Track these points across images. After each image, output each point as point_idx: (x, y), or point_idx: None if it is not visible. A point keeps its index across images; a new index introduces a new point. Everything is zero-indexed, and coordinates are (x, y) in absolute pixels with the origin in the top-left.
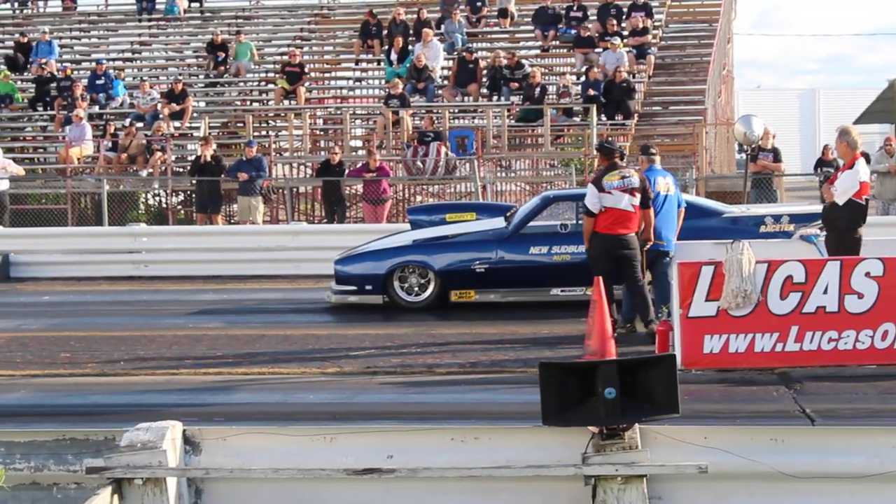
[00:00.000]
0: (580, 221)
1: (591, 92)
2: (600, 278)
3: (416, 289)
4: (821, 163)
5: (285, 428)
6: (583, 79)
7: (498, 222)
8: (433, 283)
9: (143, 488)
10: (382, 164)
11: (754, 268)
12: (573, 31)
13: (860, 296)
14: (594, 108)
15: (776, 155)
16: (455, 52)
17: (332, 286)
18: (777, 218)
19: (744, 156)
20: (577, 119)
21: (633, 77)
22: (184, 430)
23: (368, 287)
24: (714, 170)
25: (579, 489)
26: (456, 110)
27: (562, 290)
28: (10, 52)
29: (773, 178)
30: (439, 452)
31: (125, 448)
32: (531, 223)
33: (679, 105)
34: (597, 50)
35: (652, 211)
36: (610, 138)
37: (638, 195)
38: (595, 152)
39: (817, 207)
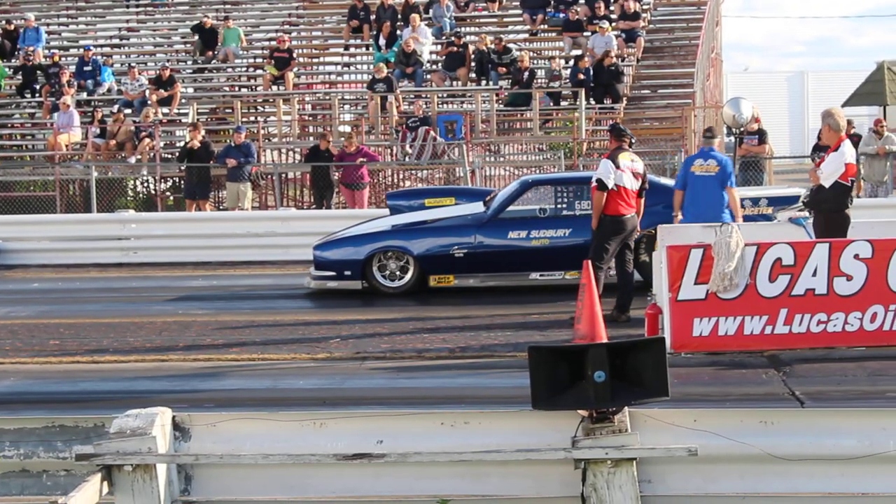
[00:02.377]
0: (559, 206)
1: (580, 76)
2: (589, 262)
3: (396, 274)
4: (817, 147)
5: (275, 413)
6: (571, 63)
7: (477, 207)
8: (412, 269)
9: (132, 475)
10: (363, 148)
11: (743, 251)
12: (562, 15)
13: (849, 278)
14: (583, 92)
15: (761, 137)
16: (443, 37)
17: (312, 272)
18: (756, 201)
19: (732, 139)
20: (565, 103)
21: (622, 61)
22: (173, 417)
23: (347, 272)
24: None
25: (569, 473)
26: (444, 95)
27: (540, 275)
28: None
29: (761, 161)
30: (429, 437)
31: (115, 435)
32: (510, 208)
33: (668, 88)
34: (585, 33)
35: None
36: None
37: (640, 180)
38: (608, 134)
39: (796, 190)
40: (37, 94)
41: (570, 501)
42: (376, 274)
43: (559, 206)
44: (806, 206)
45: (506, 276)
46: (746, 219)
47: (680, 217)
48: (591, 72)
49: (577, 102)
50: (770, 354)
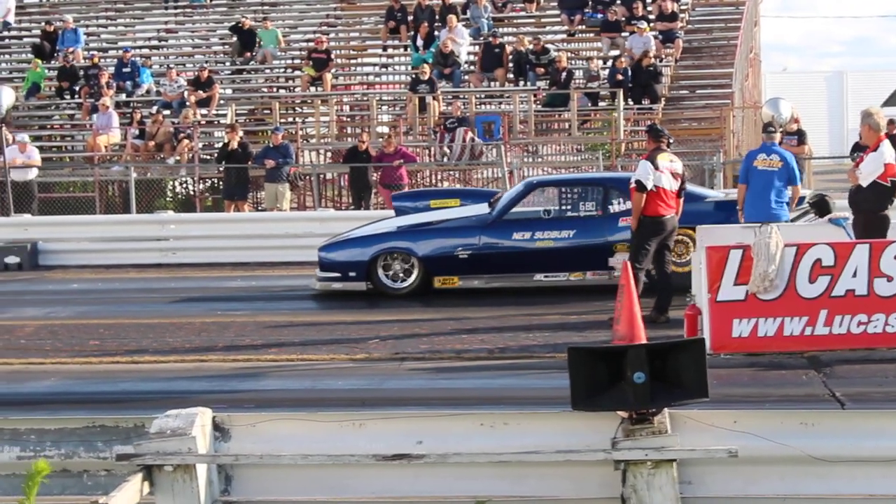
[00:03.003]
0: (563, 207)
1: (618, 77)
2: (629, 262)
3: (400, 275)
4: (856, 147)
5: (315, 414)
6: (609, 63)
7: (482, 208)
8: (417, 270)
9: (173, 475)
10: (401, 148)
11: (782, 251)
12: (600, 16)
13: (889, 279)
14: (621, 93)
15: (801, 137)
16: (481, 38)
17: (317, 273)
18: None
19: None
20: (603, 104)
21: (660, 61)
22: (213, 417)
23: (352, 274)
24: (741, 153)
25: (609, 474)
26: (482, 96)
27: (545, 276)
28: (37, 40)
29: (800, 161)
30: (469, 438)
31: (155, 435)
32: (514, 209)
33: (706, 89)
34: (623, 34)
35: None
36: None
37: (679, 181)
38: (646, 135)
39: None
40: (76, 96)
41: (610, 502)
42: (381, 275)
43: (563, 207)
44: (812, 206)
45: (510, 277)
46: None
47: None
48: (629, 72)
49: (615, 103)
50: (810, 355)
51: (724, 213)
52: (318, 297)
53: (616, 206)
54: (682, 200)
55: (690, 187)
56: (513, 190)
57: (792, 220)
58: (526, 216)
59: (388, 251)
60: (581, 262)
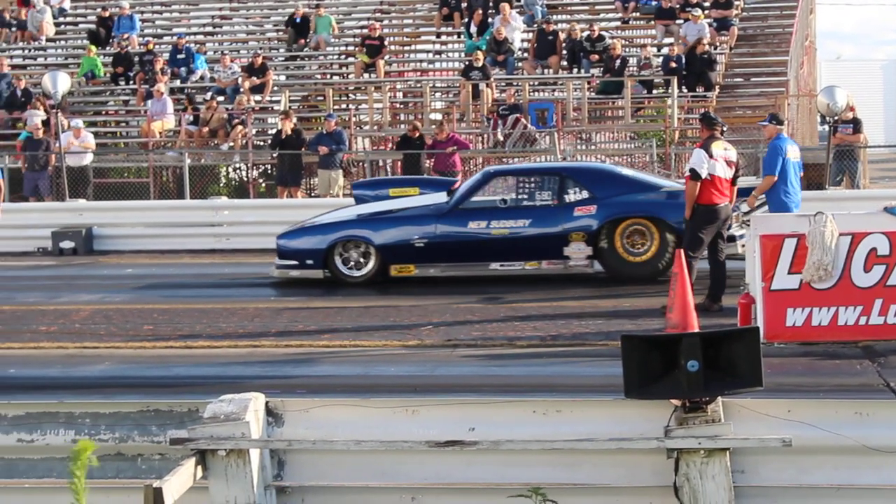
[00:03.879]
0: (520, 196)
1: (672, 64)
2: (682, 251)
3: (358, 263)
4: None
5: (368, 400)
6: (664, 50)
7: (441, 197)
8: (374, 258)
9: (226, 459)
10: (454, 135)
11: (837, 240)
12: (654, 3)
13: None
14: (675, 81)
15: (856, 126)
16: (535, 25)
17: (276, 261)
18: None
19: (826, 128)
20: (657, 91)
21: (715, 48)
22: (266, 402)
23: (310, 261)
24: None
25: (662, 462)
26: (536, 83)
27: (501, 265)
28: (93, 26)
29: (855, 150)
30: (521, 425)
31: (208, 419)
32: (471, 198)
33: (761, 77)
34: (678, 21)
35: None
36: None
37: (733, 169)
38: (699, 123)
39: (753, 182)
40: (131, 82)
41: (663, 491)
42: (338, 263)
43: (520, 196)
44: None
45: (466, 265)
46: None
47: (763, 201)
48: (683, 60)
49: (669, 90)
50: (864, 345)
51: (681, 201)
52: (371, 283)
53: (572, 196)
54: (736, 189)
55: (643, 176)
56: (471, 179)
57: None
58: (482, 205)
59: (346, 239)
60: (536, 251)
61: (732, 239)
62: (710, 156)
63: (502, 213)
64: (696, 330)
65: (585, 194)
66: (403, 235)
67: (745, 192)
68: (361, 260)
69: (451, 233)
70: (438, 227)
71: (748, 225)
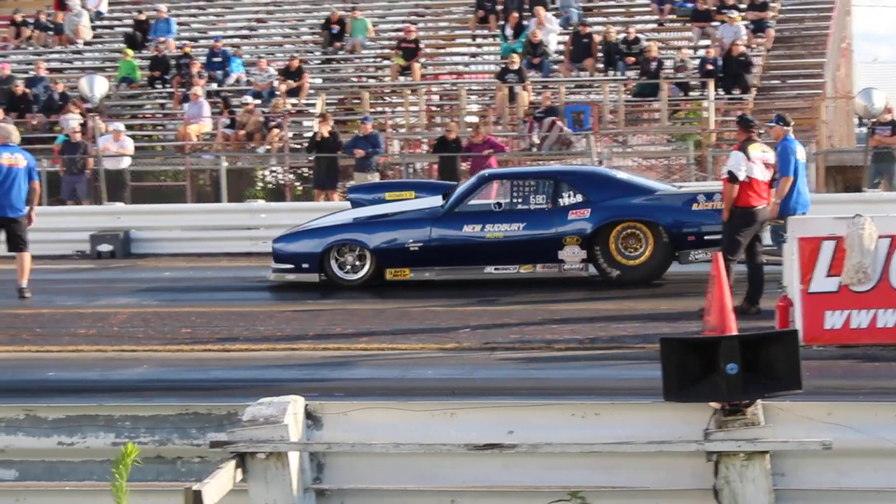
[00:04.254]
0: (514, 200)
1: (709, 66)
2: (720, 254)
3: (353, 267)
4: None
5: (406, 403)
6: (700, 52)
7: (436, 201)
8: (369, 262)
9: (265, 462)
10: (490, 138)
11: (876, 243)
12: (690, 5)
13: None
14: (711, 83)
15: (894, 128)
16: (570, 27)
17: (272, 265)
18: (709, 196)
19: (864, 130)
20: (694, 94)
21: (751, 50)
22: (305, 405)
23: (305, 265)
24: (833, 144)
25: (701, 465)
26: (572, 85)
27: (495, 269)
28: (130, 30)
29: (894, 152)
30: (560, 428)
31: (248, 422)
32: (466, 202)
33: (798, 79)
34: (714, 23)
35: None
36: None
37: (771, 171)
38: (736, 125)
39: None
40: (167, 85)
41: (702, 494)
42: (334, 267)
43: (514, 200)
44: None
45: (461, 269)
46: (700, 214)
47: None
48: (720, 62)
49: (706, 93)
50: None
51: (675, 205)
52: (409, 286)
53: (566, 200)
54: (773, 191)
55: (637, 179)
56: (466, 183)
57: None
58: (477, 209)
59: (341, 243)
60: (531, 254)
61: None
62: (748, 158)
63: (497, 217)
64: (735, 333)
65: (580, 198)
66: (398, 239)
67: None
68: (357, 263)
69: (446, 236)
70: (433, 231)
71: None
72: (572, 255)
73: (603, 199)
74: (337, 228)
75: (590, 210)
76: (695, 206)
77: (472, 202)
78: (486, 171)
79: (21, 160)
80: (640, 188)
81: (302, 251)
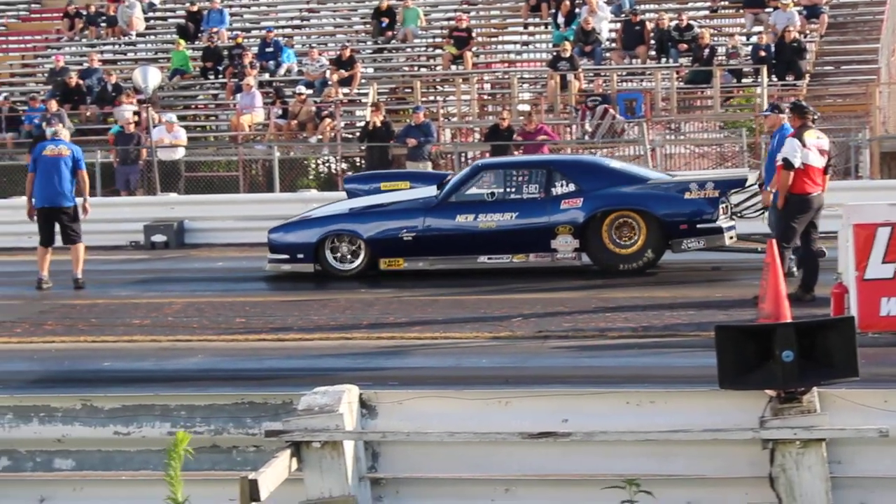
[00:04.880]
0: (507, 190)
1: (762, 53)
2: (773, 241)
3: (348, 257)
4: None
5: (461, 392)
6: (752, 39)
7: (430, 191)
8: (363, 252)
9: (320, 451)
10: (542, 126)
11: None
12: None
13: None
14: (764, 69)
15: None
16: (622, 14)
17: (268, 255)
18: (702, 185)
19: None
20: (746, 80)
21: (805, 37)
22: (360, 394)
23: (300, 255)
24: (888, 130)
25: (757, 453)
26: (624, 73)
27: (489, 258)
28: (182, 21)
29: None
30: (615, 416)
31: (303, 411)
32: (459, 192)
33: (851, 64)
34: (767, 10)
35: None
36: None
37: (826, 157)
38: (789, 112)
39: (742, 173)
40: (220, 76)
41: (758, 482)
42: (328, 257)
43: (508, 190)
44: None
45: (454, 259)
46: (693, 203)
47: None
48: (773, 48)
49: (759, 79)
50: None
51: (668, 194)
52: (460, 274)
53: (559, 189)
54: (828, 177)
55: (630, 168)
56: (460, 173)
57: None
58: (470, 199)
59: (335, 233)
60: (524, 244)
61: (720, 231)
62: (804, 145)
63: (490, 207)
64: (790, 320)
65: (572, 187)
66: (392, 229)
67: (729, 185)
68: (352, 253)
69: (439, 226)
70: (426, 221)
71: (738, 217)
72: (565, 245)
73: (595, 189)
74: (332, 219)
75: (582, 199)
76: (687, 195)
77: (466, 192)
78: (479, 161)
79: (64, 150)
80: (632, 177)
81: (297, 241)
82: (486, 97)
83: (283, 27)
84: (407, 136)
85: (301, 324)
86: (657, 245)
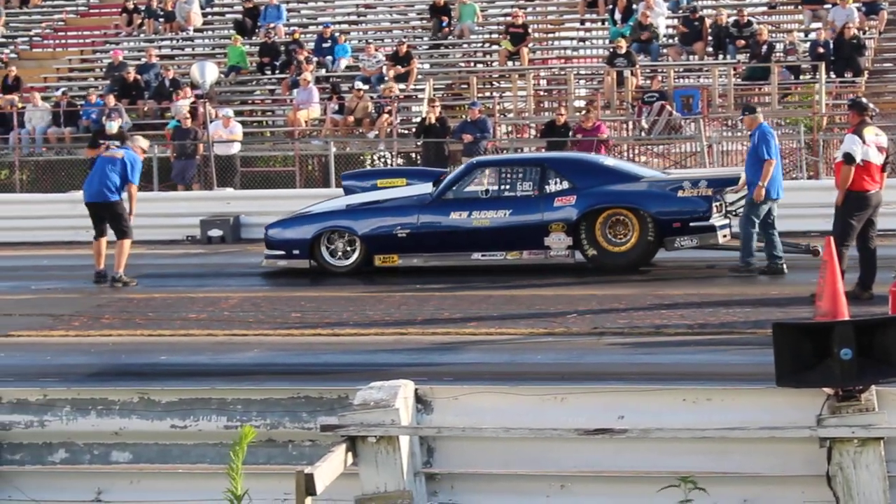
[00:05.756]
0: (502, 187)
1: (820, 49)
2: (832, 238)
3: (343, 253)
4: None
5: (516, 387)
6: (811, 35)
7: (426, 188)
8: (358, 248)
9: (376, 446)
10: (599, 123)
11: None
12: None
13: None
14: (822, 66)
15: None
16: (680, 10)
17: (265, 251)
18: (695, 183)
19: None
20: (804, 77)
21: (864, 33)
22: (415, 389)
23: (296, 251)
24: None
25: (814, 451)
26: (681, 69)
27: (482, 255)
28: (240, 16)
29: None
30: (671, 413)
31: (358, 406)
32: (454, 189)
33: None
34: (825, 6)
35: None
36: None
37: (884, 155)
38: (848, 109)
39: (735, 171)
40: (277, 71)
41: (815, 480)
42: (324, 253)
43: (502, 187)
44: None
45: (448, 256)
46: (686, 201)
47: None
48: (832, 45)
49: (817, 76)
50: None
51: (661, 192)
52: (516, 270)
53: (552, 187)
54: (885, 174)
55: (624, 166)
56: (455, 171)
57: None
58: (464, 196)
59: (331, 230)
60: (517, 241)
61: (713, 229)
62: (863, 141)
63: (483, 204)
64: (847, 318)
65: (566, 185)
66: (387, 226)
67: (722, 183)
68: (347, 250)
69: (433, 223)
70: (421, 218)
71: (734, 216)
72: (558, 242)
73: (589, 186)
74: (327, 215)
75: (575, 197)
76: (680, 193)
77: (461, 189)
78: (475, 159)
79: (118, 153)
80: (626, 175)
81: (293, 238)
82: (542, 93)
83: (339, 23)
84: (463, 132)
85: (356, 319)
86: (650, 243)
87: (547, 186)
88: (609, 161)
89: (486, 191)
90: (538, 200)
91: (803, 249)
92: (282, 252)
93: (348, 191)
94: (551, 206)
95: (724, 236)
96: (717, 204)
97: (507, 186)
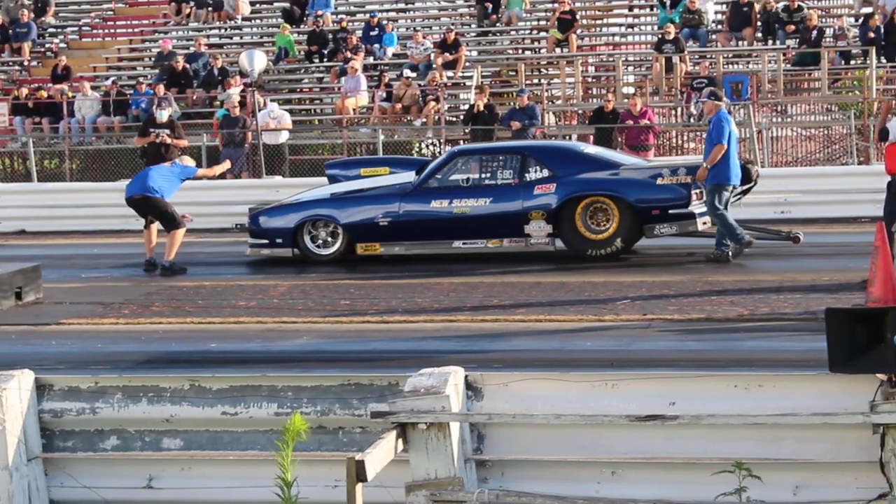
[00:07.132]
0: (482, 176)
1: (871, 34)
2: (884, 223)
3: (325, 242)
4: None
5: (567, 374)
6: (861, 20)
7: (408, 177)
8: (340, 237)
9: (426, 433)
10: (646, 109)
11: None
12: None
13: None
14: (873, 51)
15: None
16: None
17: (249, 240)
18: (674, 170)
19: None
20: (855, 62)
21: None
22: (466, 376)
23: (279, 240)
24: None
25: (867, 437)
26: (730, 55)
27: (463, 243)
28: (287, 5)
29: None
30: (722, 399)
31: (409, 393)
32: (435, 178)
33: None
34: None
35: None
36: None
37: None
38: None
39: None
40: (325, 60)
41: (868, 467)
42: (307, 241)
43: (482, 175)
44: None
45: (429, 244)
46: (665, 189)
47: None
48: (882, 30)
49: (867, 61)
50: None
51: (640, 179)
52: (566, 258)
53: (532, 175)
54: None
55: (603, 153)
56: (437, 159)
57: None
58: (445, 184)
59: (313, 218)
60: (498, 229)
61: (692, 216)
62: None
63: (464, 192)
64: None
65: (546, 173)
66: (368, 214)
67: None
68: (329, 238)
69: (414, 211)
70: (402, 206)
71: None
72: (538, 230)
73: (569, 174)
74: (310, 204)
75: (555, 185)
76: (659, 181)
77: (442, 177)
78: (456, 148)
79: (166, 164)
80: (605, 163)
81: (276, 226)
82: (590, 80)
83: (387, 10)
84: (511, 119)
85: (405, 306)
86: (630, 231)
87: (527, 174)
88: (589, 149)
89: (467, 179)
90: (518, 188)
91: (784, 236)
92: (265, 241)
93: (332, 179)
94: (531, 194)
95: (704, 223)
96: (697, 191)
97: (488, 175)
